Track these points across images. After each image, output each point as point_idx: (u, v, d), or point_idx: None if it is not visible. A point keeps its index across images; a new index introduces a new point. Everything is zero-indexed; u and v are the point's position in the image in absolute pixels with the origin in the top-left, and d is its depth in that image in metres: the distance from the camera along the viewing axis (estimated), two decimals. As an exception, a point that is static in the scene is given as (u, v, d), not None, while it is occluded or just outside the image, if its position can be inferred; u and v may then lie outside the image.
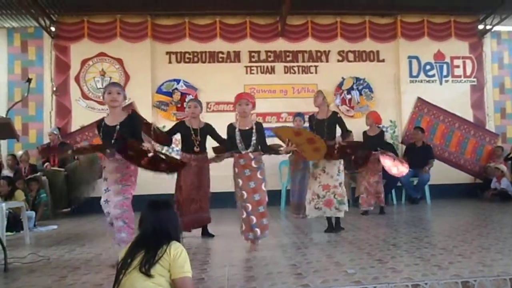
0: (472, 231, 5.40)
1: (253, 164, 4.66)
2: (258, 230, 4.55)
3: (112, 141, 4.08)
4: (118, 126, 4.11)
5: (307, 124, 8.98)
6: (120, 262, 2.63)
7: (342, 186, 5.51)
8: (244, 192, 4.60)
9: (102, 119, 4.26)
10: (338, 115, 5.76)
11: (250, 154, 4.68)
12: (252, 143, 4.68)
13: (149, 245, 2.63)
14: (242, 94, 4.96)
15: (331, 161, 5.45)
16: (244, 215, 4.59)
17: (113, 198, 4.03)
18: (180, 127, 5.69)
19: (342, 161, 5.58)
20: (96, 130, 4.33)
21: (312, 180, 5.61)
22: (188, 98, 9.38)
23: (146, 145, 4.18)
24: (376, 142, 7.35)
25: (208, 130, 5.67)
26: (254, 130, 4.70)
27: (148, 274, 2.50)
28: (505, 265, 3.55)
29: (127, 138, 4.04)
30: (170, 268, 2.59)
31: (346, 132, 5.75)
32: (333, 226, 5.64)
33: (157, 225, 2.72)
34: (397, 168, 7.41)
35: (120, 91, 4.24)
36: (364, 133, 7.63)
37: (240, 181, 4.64)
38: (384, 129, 9.65)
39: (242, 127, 4.73)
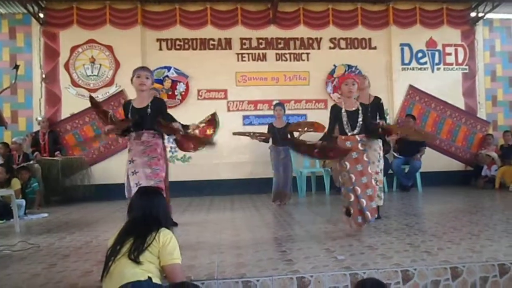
0: (462, 218, 5.42)
1: (360, 146, 4.50)
2: (368, 214, 4.39)
3: (144, 124, 4.20)
4: (149, 109, 4.19)
5: (291, 112, 9.13)
6: (109, 249, 2.64)
7: (382, 172, 5.44)
8: (352, 175, 4.42)
9: (129, 102, 4.32)
10: (381, 101, 5.68)
11: (356, 136, 4.51)
12: (358, 124, 4.52)
13: (138, 232, 2.64)
14: (349, 74, 4.84)
15: (371, 147, 5.28)
16: (352, 199, 4.42)
17: (144, 182, 4.04)
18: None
19: (381, 147, 5.47)
20: (123, 111, 4.35)
21: None
22: (179, 85, 9.34)
23: (175, 125, 4.25)
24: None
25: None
26: (360, 112, 4.56)
27: (137, 261, 2.51)
28: (494, 251, 3.57)
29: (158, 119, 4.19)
30: (159, 255, 2.60)
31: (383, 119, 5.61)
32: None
33: (147, 212, 2.76)
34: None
35: (149, 75, 4.30)
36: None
37: (348, 164, 4.44)
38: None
39: (348, 108, 4.57)
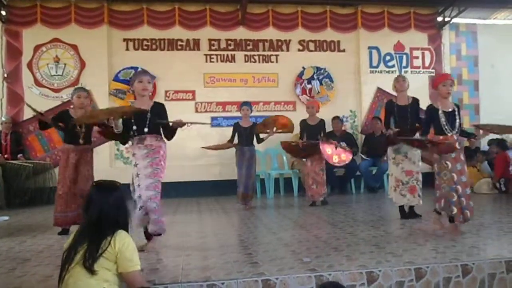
0: (428, 219, 5.47)
1: (457, 146, 4.53)
2: (468, 213, 4.46)
3: (146, 129, 4.17)
4: (149, 114, 4.18)
5: (260, 113, 9.11)
6: (64, 254, 2.52)
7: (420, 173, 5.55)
8: (454, 175, 4.47)
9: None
10: (419, 102, 5.65)
11: (454, 136, 4.56)
12: (456, 125, 4.58)
13: (92, 236, 2.52)
14: (447, 75, 4.86)
15: (413, 147, 5.40)
16: (455, 198, 4.46)
17: (143, 182, 4.10)
18: (64, 116, 5.34)
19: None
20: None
21: (394, 167, 5.56)
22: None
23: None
24: (318, 131, 7.23)
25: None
26: (456, 112, 4.61)
27: (92, 270, 2.41)
28: (457, 252, 3.62)
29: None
30: (116, 261, 2.50)
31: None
32: (406, 212, 5.59)
33: (104, 211, 2.61)
34: (338, 156, 7.24)
35: (150, 80, 4.32)
36: (304, 121, 7.40)
37: (449, 164, 4.50)
38: (344, 119, 9.77)
39: (445, 109, 4.60)
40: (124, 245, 2.53)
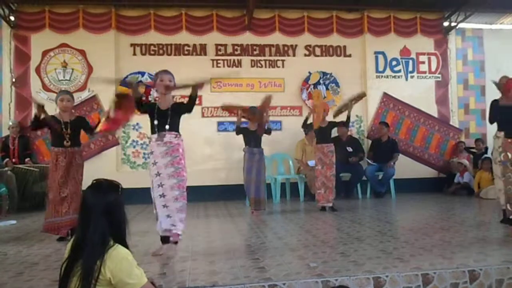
0: (434, 225, 5.47)
1: None
2: None
3: (167, 126, 4.24)
4: (169, 111, 4.27)
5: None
6: (61, 271, 2.25)
7: None
8: None
9: (155, 103, 4.40)
10: None
11: None
12: None
13: (83, 259, 2.19)
14: None
15: None
16: None
17: (167, 181, 4.18)
18: (51, 119, 5.32)
19: None
20: (149, 114, 4.36)
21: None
22: (153, 91, 9.23)
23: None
24: (328, 133, 7.28)
25: (80, 122, 5.43)
26: None
27: None
28: (464, 258, 3.61)
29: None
30: (115, 284, 2.21)
31: None
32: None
33: (97, 217, 2.24)
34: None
35: (172, 79, 4.36)
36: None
37: None
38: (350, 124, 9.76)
39: None
40: (116, 267, 2.20)
